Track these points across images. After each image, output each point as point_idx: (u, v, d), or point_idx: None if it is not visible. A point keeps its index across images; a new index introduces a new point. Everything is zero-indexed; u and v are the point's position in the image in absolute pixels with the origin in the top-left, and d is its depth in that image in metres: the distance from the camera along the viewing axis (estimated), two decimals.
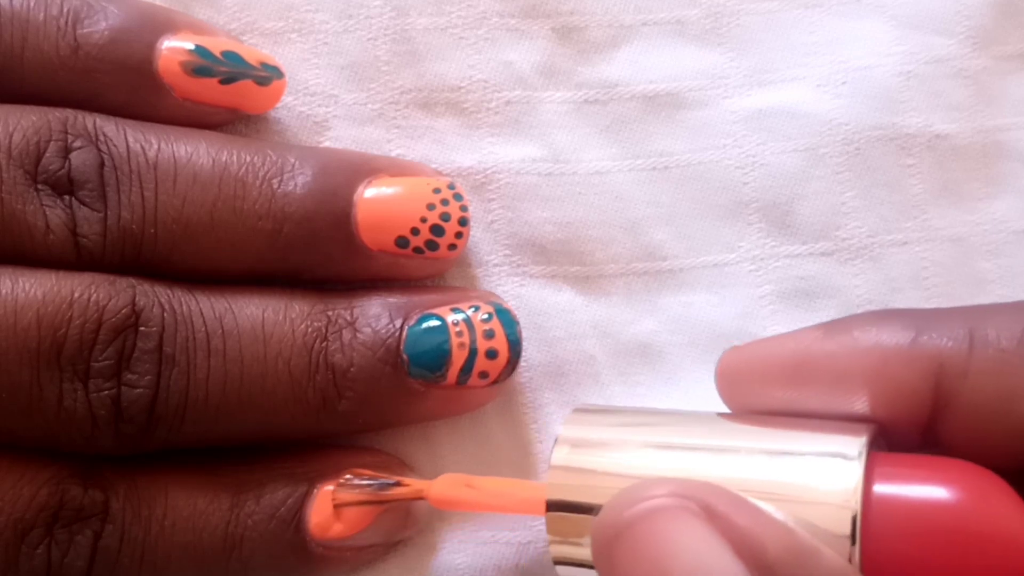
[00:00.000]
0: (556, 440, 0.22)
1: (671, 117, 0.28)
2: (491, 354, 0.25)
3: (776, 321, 0.27)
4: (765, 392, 0.22)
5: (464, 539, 0.26)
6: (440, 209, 0.25)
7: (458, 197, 0.25)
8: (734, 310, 0.27)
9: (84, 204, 0.24)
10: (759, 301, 0.27)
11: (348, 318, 0.25)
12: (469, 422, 0.26)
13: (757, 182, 0.27)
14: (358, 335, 0.24)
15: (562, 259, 0.27)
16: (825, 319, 0.27)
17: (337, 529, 0.24)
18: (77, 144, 0.24)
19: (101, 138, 0.24)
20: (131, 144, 0.24)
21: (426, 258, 0.25)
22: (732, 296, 0.27)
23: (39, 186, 0.24)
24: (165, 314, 0.23)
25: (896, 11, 0.28)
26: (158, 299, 0.24)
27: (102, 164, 0.24)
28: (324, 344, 0.24)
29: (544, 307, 0.27)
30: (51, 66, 0.25)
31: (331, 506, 0.24)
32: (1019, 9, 0.28)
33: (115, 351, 0.23)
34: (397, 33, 0.27)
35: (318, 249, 0.25)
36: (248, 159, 0.25)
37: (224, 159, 0.25)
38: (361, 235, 0.25)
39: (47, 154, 0.24)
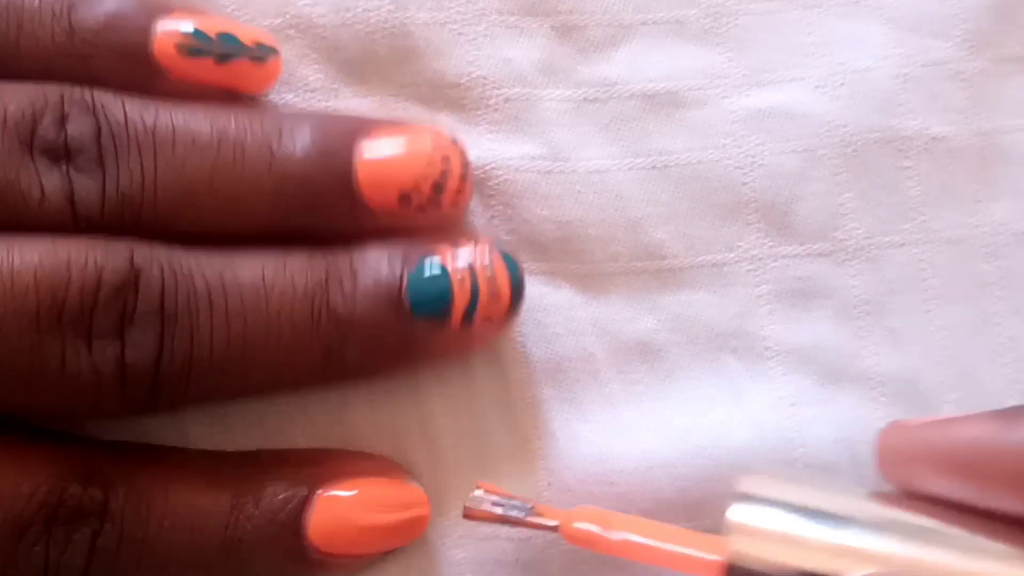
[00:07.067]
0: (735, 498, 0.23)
1: (670, 116, 0.28)
2: (493, 294, 0.25)
3: (774, 320, 0.27)
4: (932, 480, 0.22)
5: (465, 535, 0.26)
6: (441, 162, 0.25)
7: (459, 149, 0.25)
8: (732, 309, 0.27)
9: (82, 172, 0.24)
10: (757, 301, 0.27)
11: (348, 267, 0.24)
12: (469, 419, 0.26)
13: (756, 182, 0.27)
14: (359, 283, 0.24)
15: (561, 257, 0.27)
16: (822, 320, 0.27)
17: (340, 546, 0.24)
18: (74, 112, 0.24)
19: (98, 107, 0.24)
20: (128, 112, 0.24)
21: (429, 213, 0.25)
22: (731, 295, 0.27)
23: (35, 155, 0.24)
24: (164, 273, 0.23)
25: (893, 13, 0.28)
26: (156, 258, 0.23)
27: (99, 132, 0.24)
28: (325, 294, 0.24)
29: (544, 304, 0.27)
30: (47, 52, 0.24)
31: (331, 514, 0.24)
32: (1016, 12, 0.28)
33: (116, 311, 0.23)
34: (396, 28, 0.27)
35: (320, 208, 0.25)
36: (245, 122, 0.25)
37: (222, 123, 0.24)
38: (363, 192, 0.25)
39: (43, 124, 0.24)
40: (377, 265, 0.25)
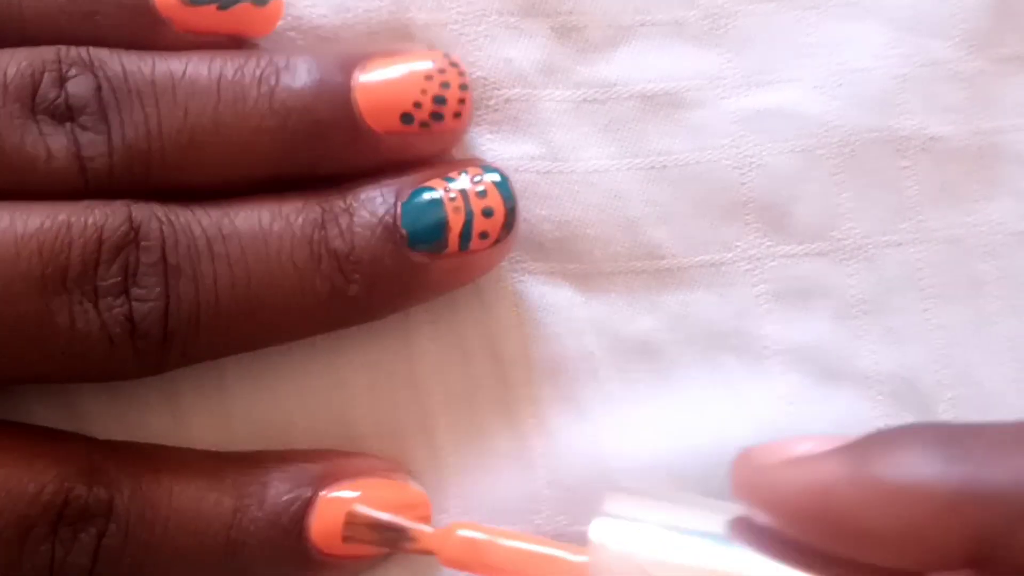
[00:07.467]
0: (596, 519, 0.23)
1: (669, 117, 0.28)
2: (487, 213, 0.25)
3: (772, 320, 0.27)
4: (780, 524, 0.22)
5: None
6: (439, 78, 0.25)
7: (454, 64, 0.26)
8: (731, 309, 0.27)
9: (86, 129, 0.24)
10: (755, 300, 0.27)
11: (342, 205, 0.25)
12: (469, 418, 0.27)
13: (754, 182, 0.27)
14: (354, 219, 0.25)
15: (561, 257, 0.27)
16: (820, 319, 0.27)
17: (342, 548, 0.25)
18: (72, 72, 0.24)
19: (96, 63, 0.24)
20: (127, 65, 0.24)
21: (433, 131, 0.25)
22: (729, 295, 0.27)
23: (38, 117, 0.24)
24: (163, 226, 0.24)
25: (893, 14, 0.28)
26: (154, 213, 0.24)
27: (99, 87, 0.24)
28: (323, 233, 0.24)
29: (543, 303, 0.27)
30: (50, 13, 0.25)
31: (333, 516, 0.24)
32: (1015, 12, 0.28)
33: (119, 268, 0.23)
34: (397, 28, 0.27)
35: (325, 140, 0.25)
36: (241, 62, 0.25)
37: (219, 66, 0.25)
38: (365, 118, 0.25)
39: (43, 85, 0.24)
40: (371, 200, 0.25)
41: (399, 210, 0.25)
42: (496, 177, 0.26)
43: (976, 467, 0.20)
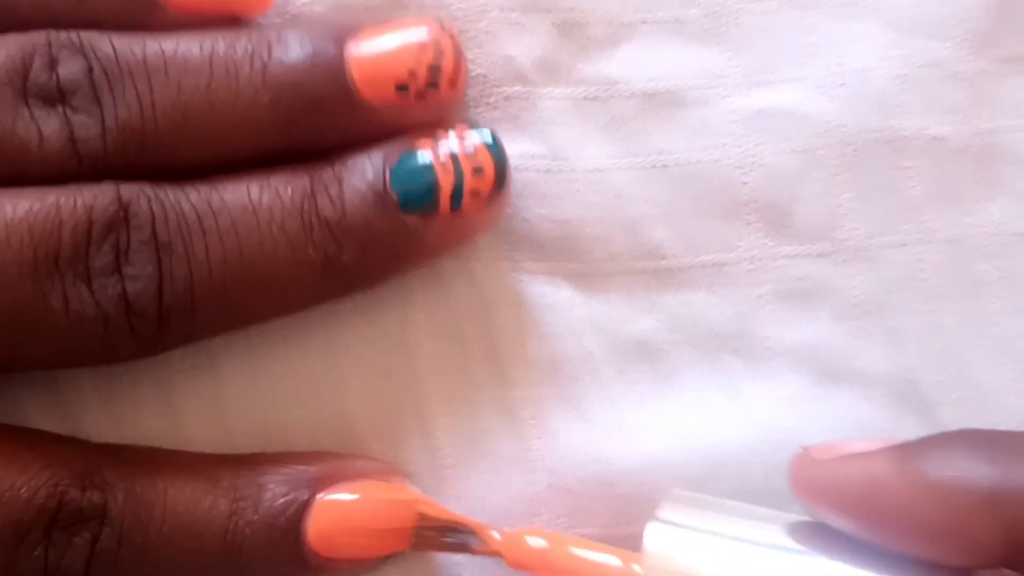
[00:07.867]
0: (650, 524, 0.23)
1: (670, 116, 0.27)
2: (477, 171, 0.25)
3: (774, 320, 0.27)
4: (835, 518, 0.22)
5: None
6: (433, 46, 0.25)
7: (448, 31, 0.26)
8: (732, 309, 0.27)
9: (79, 111, 0.24)
10: (757, 300, 0.27)
11: (331, 173, 0.25)
12: (468, 419, 0.26)
13: (756, 182, 0.27)
14: (344, 186, 0.25)
15: (560, 256, 0.27)
16: (821, 319, 0.27)
17: (339, 551, 0.24)
18: (63, 55, 0.24)
19: (86, 46, 0.24)
20: (117, 46, 0.24)
21: (429, 101, 0.25)
22: (730, 295, 0.27)
23: (30, 101, 0.24)
24: (152, 204, 0.23)
25: (893, 14, 0.28)
26: (143, 191, 0.24)
27: (90, 69, 0.24)
28: (313, 202, 0.24)
29: (543, 303, 0.27)
30: None
31: (330, 518, 0.24)
32: (1016, 12, 0.28)
33: (111, 247, 0.23)
34: None
35: (320, 112, 0.25)
36: (233, 39, 0.25)
37: (210, 44, 0.25)
38: (360, 90, 0.25)
39: (34, 69, 0.24)
40: (359, 166, 0.25)
41: (388, 174, 0.25)
42: (485, 135, 0.25)
43: (1011, 469, 0.21)
